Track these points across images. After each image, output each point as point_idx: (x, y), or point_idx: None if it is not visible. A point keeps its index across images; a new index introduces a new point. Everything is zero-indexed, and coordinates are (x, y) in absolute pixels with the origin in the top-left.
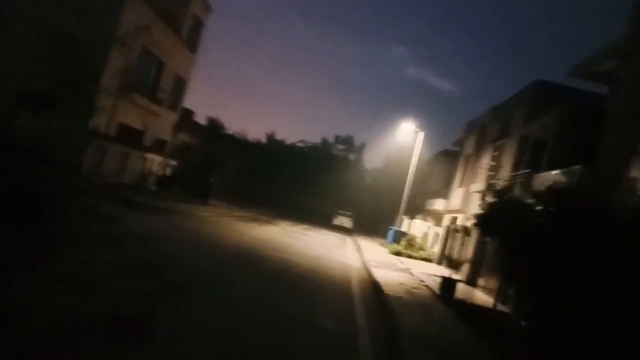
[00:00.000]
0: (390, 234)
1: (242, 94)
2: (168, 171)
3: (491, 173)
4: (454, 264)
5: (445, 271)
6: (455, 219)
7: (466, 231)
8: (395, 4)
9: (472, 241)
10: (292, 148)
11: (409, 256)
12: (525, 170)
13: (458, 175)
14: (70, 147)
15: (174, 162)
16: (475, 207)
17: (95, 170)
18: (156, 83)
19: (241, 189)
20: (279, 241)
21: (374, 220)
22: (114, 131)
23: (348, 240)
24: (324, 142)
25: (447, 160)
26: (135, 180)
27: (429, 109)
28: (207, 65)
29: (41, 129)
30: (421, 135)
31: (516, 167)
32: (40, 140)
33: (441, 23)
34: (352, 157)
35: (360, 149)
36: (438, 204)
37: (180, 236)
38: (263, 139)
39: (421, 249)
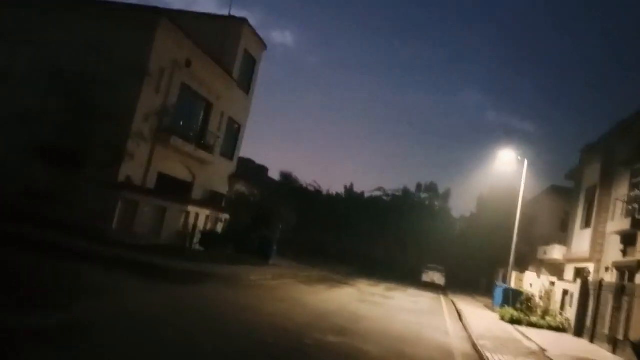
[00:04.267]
0: (499, 292)
1: (317, 149)
2: (219, 227)
3: (633, 206)
4: (606, 338)
5: (595, 349)
6: (582, 270)
7: (622, 290)
8: (466, 49)
9: (637, 306)
10: (371, 199)
11: (531, 324)
12: None
13: (579, 214)
14: (95, 204)
15: (226, 217)
16: (614, 252)
17: (125, 229)
18: (204, 127)
19: (315, 245)
20: (348, 312)
21: (469, 275)
22: (153, 183)
23: (443, 301)
24: (406, 191)
25: (559, 197)
26: (175, 239)
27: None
28: (283, 120)
29: (61, 186)
30: (525, 163)
31: None
32: (60, 199)
33: (516, 63)
34: (437, 205)
35: (445, 196)
36: (555, 252)
37: (182, 320)
38: (341, 193)
39: (546, 313)
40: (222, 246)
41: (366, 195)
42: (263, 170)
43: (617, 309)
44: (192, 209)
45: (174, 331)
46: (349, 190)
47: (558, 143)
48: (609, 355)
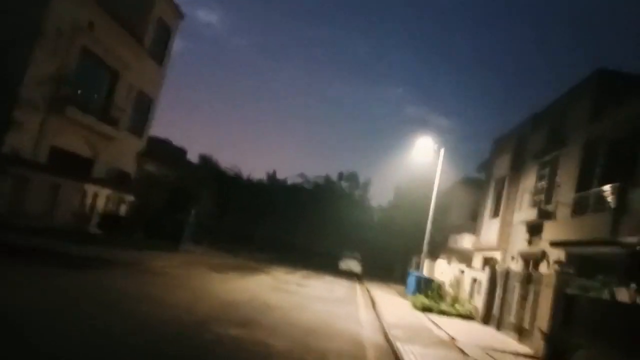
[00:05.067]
0: (412, 281)
1: (240, 134)
2: (123, 209)
3: (539, 197)
4: (513, 327)
5: (502, 338)
6: (490, 259)
7: (529, 278)
8: (388, 46)
9: (546, 294)
10: (293, 187)
11: (442, 312)
12: (610, 185)
13: (489, 205)
14: None
15: (130, 198)
16: (520, 242)
17: (13, 209)
18: (109, 99)
19: (235, 232)
20: (258, 302)
21: (386, 263)
22: (45, 157)
23: (358, 289)
24: (327, 179)
25: (470, 188)
26: (70, 222)
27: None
28: (205, 102)
29: None
30: (442, 152)
31: (583, 183)
32: None
33: (436, 62)
34: (357, 194)
35: (365, 186)
36: (465, 241)
37: (60, 316)
38: (263, 179)
39: (455, 301)
40: (126, 230)
41: (288, 182)
42: (181, 152)
43: (523, 297)
44: (89, 188)
45: (45, 329)
46: (272, 176)
47: (472, 138)
48: (515, 344)
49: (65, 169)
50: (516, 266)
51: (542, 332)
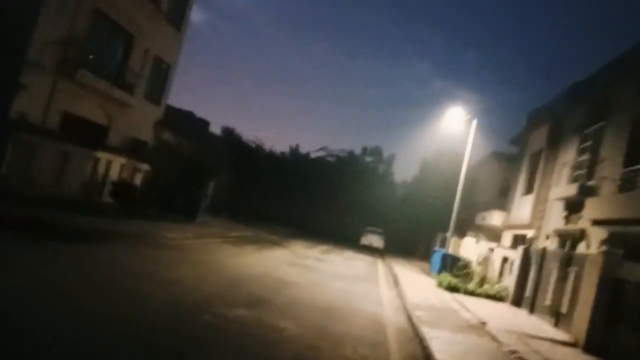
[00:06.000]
0: (437, 258)
1: (264, 109)
2: (138, 179)
3: (580, 172)
4: (548, 310)
5: (536, 322)
6: (521, 237)
7: (569, 259)
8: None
9: (590, 277)
10: (315, 160)
11: (469, 292)
12: None
13: (521, 180)
14: None
15: (146, 167)
16: (556, 219)
17: (21, 177)
18: (123, 64)
19: (254, 205)
20: (272, 278)
21: (409, 239)
22: (56, 124)
23: (380, 266)
24: (350, 153)
25: (500, 163)
26: (81, 191)
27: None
28: (231, 76)
29: None
30: (474, 123)
31: (631, 157)
32: None
33: (463, 35)
34: (381, 169)
35: (389, 161)
36: (495, 218)
37: (45, 295)
38: (286, 152)
39: (483, 281)
40: (140, 200)
41: (311, 156)
42: (204, 124)
43: (562, 279)
44: (102, 156)
45: (16, 314)
46: (294, 150)
47: (500, 113)
48: (551, 329)
49: (77, 136)
50: (551, 245)
51: (584, 318)
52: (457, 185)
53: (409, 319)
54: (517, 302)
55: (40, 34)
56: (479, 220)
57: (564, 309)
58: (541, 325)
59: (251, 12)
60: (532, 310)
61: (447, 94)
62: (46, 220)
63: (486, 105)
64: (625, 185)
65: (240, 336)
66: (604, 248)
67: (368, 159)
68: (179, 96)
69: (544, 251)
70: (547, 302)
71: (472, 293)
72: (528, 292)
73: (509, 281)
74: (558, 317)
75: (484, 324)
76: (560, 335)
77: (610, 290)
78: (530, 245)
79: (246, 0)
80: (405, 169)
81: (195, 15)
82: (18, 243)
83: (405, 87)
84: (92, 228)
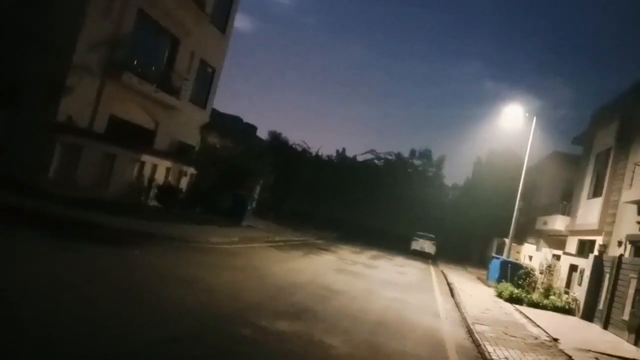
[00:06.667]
0: (496, 266)
1: (311, 112)
2: (183, 182)
3: None
4: (626, 326)
5: (612, 339)
6: (588, 243)
7: None
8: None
9: None
10: (363, 164)
11: (532, 304)
12: None
13: (587, 182)
14: (29, 149)
15: (192, 171)
16: (630, 225)
17: (65, 180)
18: (169, 67)
19: (301, 209)
20: (319, 285)
21: (462, 245)
22: (103, 127)
23: (433, 273)
24: (398, 156)
25: (561, 164)
26: (126, 194)
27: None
28: (278, 81)
29: None
30: (534, 121)
31: None
32: None
33: (515, 36)
34: (430, 172)
35: (439, 163)
36: (558, 223)
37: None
38: (332, 155)
39: (548, 291)
40: (186, 203)
41: (358, 159)
42: (251, 129)
43: None
44: (147, 159)
45: (42, 316)
46: (341, 153)
47: (558, 114)
48: (631, 347)
49: (122, 139)
50: (623, 252)
51: None
52: (514, 188)
53: (470, 334)
54: (589, 315)
55: (86, 35)
56: (539, 225)
57: None
58: (619, 343)
59: (297, 15)
60: (606, 325)
61: (500, 94)
62: (88, 222)
63: (545, 103)
64: None
65: (279, 354)
66: None
67: (417, 161)
68: (228, 102)
69: (619, 260)
70: (625, 316)
71: (536, 305)
72: (601, 305)
73: (579, 292)
74: (638, 334)
75: (555, 340)
76: None
77: None
78: (602, 253)
79: (292, 4)
80: (456, 172)
81: (242, 20)
82: (52, 244)
83: (455, 87)
84: (133, 231)
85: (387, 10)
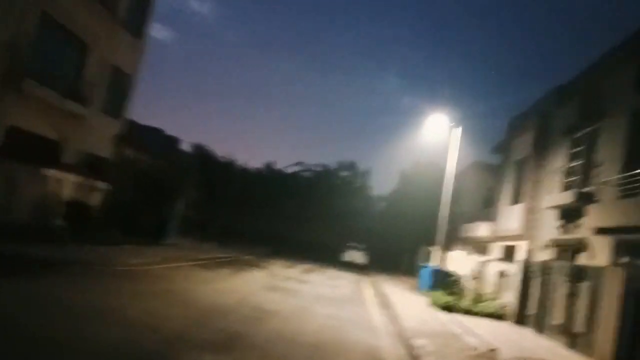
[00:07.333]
0: (426, 274)
1: (235, 126)
2: (95, 199)
3: (573, 178)
4: (559, 330)
5: (548, 344)
6: (512, 248)
7: (579, 272)
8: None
9: (610, 292)
10: (291, 176)
11: (466, 311)
12: None
13: (508, 189)
14: None
15: (104, 186)
16: (551, 229)
17: None
18: (77, 74)
19: (228, 225)
20: (250, 306)
21: (392, 254)
22: (0, 139)
23: (366, 284)
24: (326, 168)
25: (482, 173)
26: (33, 214)
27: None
28: (199, 93)
29: None
30: (458, 131)
31: (632, 159)
32: None
33: (431, 51)
34: (357, 183)
35: (365, 175)
36: (481, 230)
37: None
38: (260, 168)
39: (479, 298)
40: (99, 223)
41: (287, 170)
42: (173, 141)
43: (572, 295)
44: (51, 174)
45: None
46: (269, 166)
47: (477, 124)
48: (568, 352)
49: (25, 153)
50: (548, 256)
51: (608, 338)
52: (438, 197)
53: (409, 349)
54: (520, 320)
55: None
56: (464, 232)
57: (579, 328)
58: (556, 348)
59: (221, 30)
60: (539, 329)
61: (421, 106)
62: None
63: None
64: (628, 189)
65: None
66: (625, 260)
67: (344, 173)
68: (148, 114)
69: (547, 264)
70: (557, 320)
71: (468, 311)
72: (532, 310)
73: (508, 297)
74: (573, 338)
75: (493, 351)
76: (582, 359)
77: (637, 305)
78: (529, 257)
79: (216, 19)
80: (383, 183)
81: (166, 32)
82: None
83: (377, 102)
84: (37, 257)
85: (313, 25)
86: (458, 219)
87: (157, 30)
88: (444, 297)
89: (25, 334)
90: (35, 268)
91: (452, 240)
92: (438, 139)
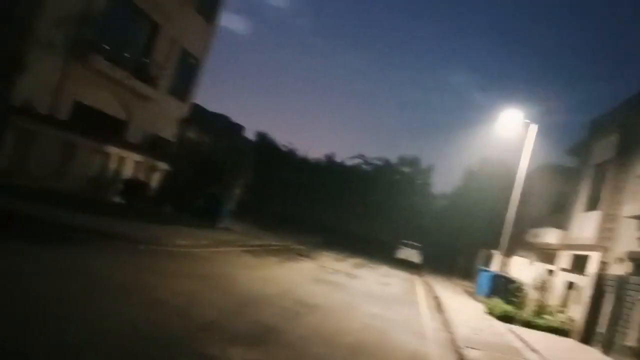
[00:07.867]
0: (485, 279)
1: (300, 115)
2: (155, 178)
3: None
4: (631, 352)
5: None
6: (582, 258)
7: None
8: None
9: None
10: (351, 168)
11: (526, 323)
12: None
13: (583, 195)
14: None
15: (164, 166)
16: (631, 240)
17: (17, 167)
18: (146, 54)
19: (284, 213)
20: (292, 298)
21: (448, 254)
22: (66, 114)
23: (418, 284)
24: (387, 162)
25: (555, 176)
26: (85, 187)
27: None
28: (270, 83)
29: None
30: (534, 129)
31: None
32: None
33: (507, 48)
34: (419, 180)
35: (428, 172)
36: (550, 236)
37: None
38: (320, 159)
39: (542, 309)
40: (154, 201)
41: (346, 163)
42: (238, 128)
43: None
44: (113, 151)
45: None
46: (330, 157)
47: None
48: None
49: (87, 128)
50: (622, 270)
51: None
52: (503, 198)
53: None
54: (587, 338)
55: (50, 8)
56: (530, 237)
57: None
58: None
59: (293, 21)
60: (607, 349)
61: (493, 102)
62: (33, 216)
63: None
64: None
65: None
66: None
67: (405, 169)
68: (216, 101)
69: (624, 279)
70: (631, 342)
71: (528, 323)
72: (602, 328)
73: (576, 312)
74: None
75: None
76: None
77: None
78: (601, 270)
79: (286, 7)
80: (446, 182)
81: (237, 22)
82: None
83: (445, 97)
84: (91, 229)
85: (382, 18)
86: (524, 223)
87: (231, 21)
88: (502, 306)
89: (38, 306)
90: (77, 239)
91: (516, 245)
92: (509, 136)
